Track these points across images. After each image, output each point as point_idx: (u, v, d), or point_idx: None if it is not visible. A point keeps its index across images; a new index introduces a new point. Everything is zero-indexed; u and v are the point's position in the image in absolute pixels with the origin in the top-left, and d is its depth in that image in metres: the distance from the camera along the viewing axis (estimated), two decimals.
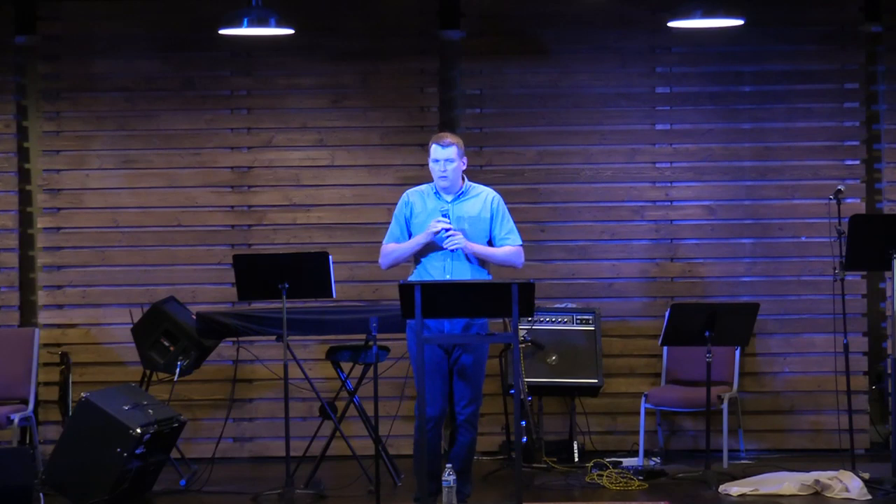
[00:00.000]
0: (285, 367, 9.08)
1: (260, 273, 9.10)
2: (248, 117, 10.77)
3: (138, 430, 8.80)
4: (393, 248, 8.49)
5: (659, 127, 10.77)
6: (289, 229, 10.72)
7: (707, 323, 9.32)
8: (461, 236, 8.28)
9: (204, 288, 10.67)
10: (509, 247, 8.46)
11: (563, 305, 10.35)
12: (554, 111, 10.75)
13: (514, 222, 8.53)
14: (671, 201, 10.74)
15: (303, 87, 10.77)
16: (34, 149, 10.80)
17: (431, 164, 8.41)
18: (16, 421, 9.64)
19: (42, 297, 10.71)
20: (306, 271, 9.06)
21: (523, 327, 9.93)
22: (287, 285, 8.99)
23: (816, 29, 10.71)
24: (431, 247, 8.35)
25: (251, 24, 9.48)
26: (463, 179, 8.47)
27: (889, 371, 10.00)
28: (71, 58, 10.72)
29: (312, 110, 10.77)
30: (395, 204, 8.55)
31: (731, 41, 10.59)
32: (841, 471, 9.10)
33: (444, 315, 8.17)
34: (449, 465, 8.11)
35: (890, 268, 9.06)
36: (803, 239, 10.70)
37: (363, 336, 9.34)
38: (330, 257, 9.09)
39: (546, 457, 9.99)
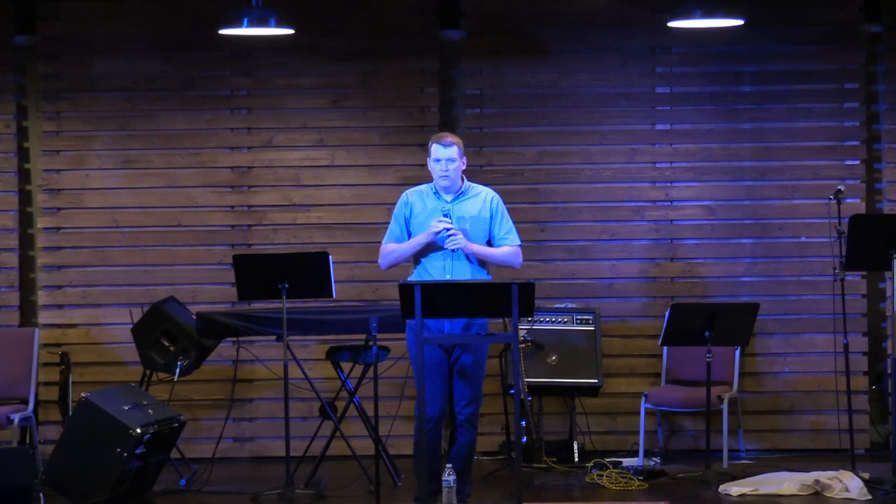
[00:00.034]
0: (285, 367, 9.08)
1: (260, 273, 9.10)
2: (248, 117, 10.77)
3: (138, 430, 8.80)
4: (393, 248, 8.49)
5: (659, 127, 10.77)
6: (289, 229, 10.72)
7: (707, 323, 9.32)
8: (462, 236, 8.28)
9: (204, 288, 10.67)
10: (508, 247, 8.46)
11: (563, 305, 10.35)
12: (554, 111, 10.75)
13: (513, 222, 8.53)
14: (671, 201, 10.74)
15: (303, 87, 10.77)
16: (34, 149, 10.80)
17: (432, 164, 8.40)
18: (16, 421, 9.64)
19: (42, 297, 10.71)
20: (306, 271, 9.06)
21: (523, 327, 9.93)
22: (287, 285, 8.99)
23: (816, 29, 10.71)
24: (431, 247, 8.35)
25: (251, 24, 9.48)
26: (462, 179, 8.47)
27: (889, 371, 10.00)
28: (71, 58, 10.72)
29: (312, 110, 10.77)
30: (395, 204, 8.55)
31: (731, 41, 10.59)
32: (841, 471, 9.10)
33: (444, 315, 8.17)
34: (449, 465, 8.11)
35: (890, 268, 9.06)
36: (803, 239, 10.70)
37: (363, 336, 9.34)
38: (330, 257, 9.09)
39: (546, 457, 9.99)
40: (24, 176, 10.80)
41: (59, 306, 10.69)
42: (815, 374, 10.61)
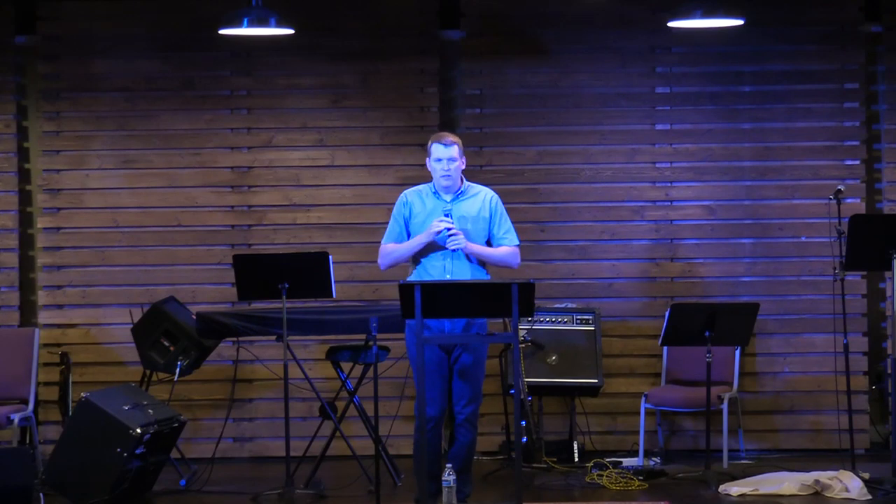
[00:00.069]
0: (285, 367, 9.08)
1: (260, 273, 9.10)
2: (248, 117, 10.77)
3: (138, 430, 8.80)
4: (393, 248, 8.48)
5: (659, 127, 10.77)
6: (289, 229, 10.72)
7: (707, 323, 9.32)
8: (463, 236, 8.28)
9: (204, 288, 10.67)
10: (507, 247, 8.46)
11: (563, 305, 10.35)
12: (554, 111, 10.75)
13: (513, 222, 8.53)
14: (671, 201, 10.74)
15: (303, 87, 10.77)
16: (34, 149, 10.80)
17: (433, 164, 8.40)
18: (16, 421, 9.64)
19: (42, 297, 10.71)
20: (306, 271, 9.06)
21: (523, 327, 9.93)
22: (287, 285, 8.99)
23: (816, 29, 10.71)
24: (431, 247, 8.35)
25: (251, 24, 9.48)
26: (461, 179, 8.47)
27: (889, 371, 10.00)
28: (71, 58, 10.72)
29: (312, 110, 10.77)
30: (395, 204, 8.55)
31: (731, 41, 10.59)
32: (841, 471, 9.10)
33: (444, 315, 8.17)
34: (449, 465, 8.10)
35: (890, 268, 9.06)
36: (803, 239, 10.70)
37: (363, 336, 9.33)
38: (330, 257, 9.09)
39: (546, 457, 9.99)
40: (24, 176, 10.81)
41: (59, 306, 10.69)
42: (815, 374, 10.61)
